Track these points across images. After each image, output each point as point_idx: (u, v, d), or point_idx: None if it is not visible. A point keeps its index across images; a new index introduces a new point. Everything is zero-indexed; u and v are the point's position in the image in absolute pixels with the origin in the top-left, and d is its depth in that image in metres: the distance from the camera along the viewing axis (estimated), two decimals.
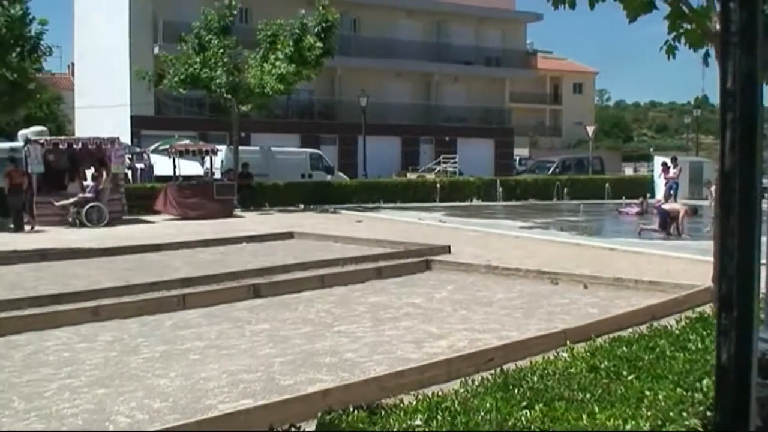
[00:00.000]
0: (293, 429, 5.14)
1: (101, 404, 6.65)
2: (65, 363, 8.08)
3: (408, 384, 6.66)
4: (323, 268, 14.31)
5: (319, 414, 5.33)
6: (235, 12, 30.43)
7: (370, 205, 32.07)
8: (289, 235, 20.61)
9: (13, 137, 34.03)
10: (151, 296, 11.58)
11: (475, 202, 35.41)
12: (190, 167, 31.10)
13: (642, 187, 35.18)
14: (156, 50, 42.03)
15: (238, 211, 28.17)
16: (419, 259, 15.42)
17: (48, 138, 26.70)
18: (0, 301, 10.97)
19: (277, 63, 29.03)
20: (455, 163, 48.01)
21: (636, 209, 28.20)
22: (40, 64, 17.62)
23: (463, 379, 6.32)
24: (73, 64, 62.40)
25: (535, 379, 5.99)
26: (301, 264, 14.73)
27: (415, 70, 53.65)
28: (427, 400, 5.53)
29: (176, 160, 29.01)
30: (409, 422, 5.09)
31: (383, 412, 5.27)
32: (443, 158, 48.47)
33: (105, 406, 6.59)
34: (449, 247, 16.87)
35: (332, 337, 9.22)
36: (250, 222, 25.20)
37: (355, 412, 5.24)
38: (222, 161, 33.05)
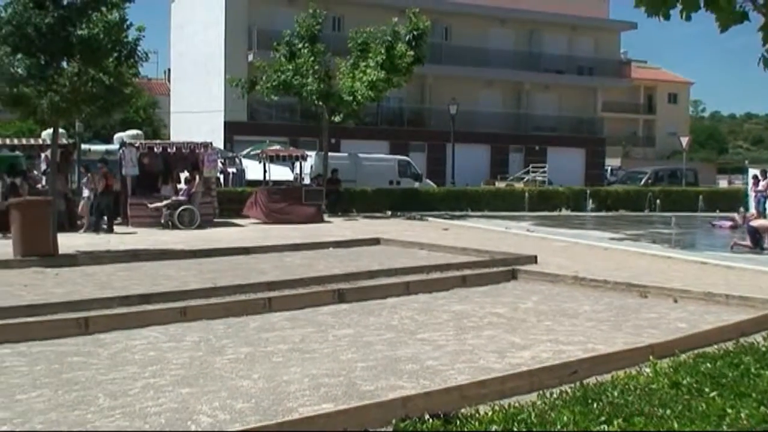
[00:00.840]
0: None
1: (185, 403, 6.78)
2: (151, 362, 8.26)
3: (489, 394, 6.61)
4: (408, 275, 14.35)
5: (394, 420, 5.35)
6: (320, 20, 30.60)
7: (458, 213, 31.97)
8: (376, 242, 20.70)
9: (109, 140, 35.16)
10: (237, 298, 11.77)
11: (564, 212, 34.99)
12: (280, 172, 31.60)
13: (737, 200, 34.29)
14: (250, 57, 42.80)
15: (325, 216, 28.39)
16: (505, 269, 15.31)
17: (143, 141, 27.43)
18: (90, 300, 11.30)
19: (368, 70, 29.22)
20: (545, 172, 47.52)
21: (729, 223, 27.46)
22: (136, 69, 17.94)
23: (541, 392, 6.26)
24: (169, 70, 63.86)
25: (616, 393, 5.91)
26: (386, 270, 14.78)
27: (506, 79, 53.28)
28: (504, 411, 5.50)
29: (267, 165, 29.49)
30: None
31: (458, 422, 5.26)
32: (533, 167, 48.08)
33: (188, 405, 6.71)
34: (536, 257, 16.72)
35: (414, 344, 9.22)
36: (337, 227, 25.40)
37: (430, 420, 5.24)
38: (311, 167, 33.37)
